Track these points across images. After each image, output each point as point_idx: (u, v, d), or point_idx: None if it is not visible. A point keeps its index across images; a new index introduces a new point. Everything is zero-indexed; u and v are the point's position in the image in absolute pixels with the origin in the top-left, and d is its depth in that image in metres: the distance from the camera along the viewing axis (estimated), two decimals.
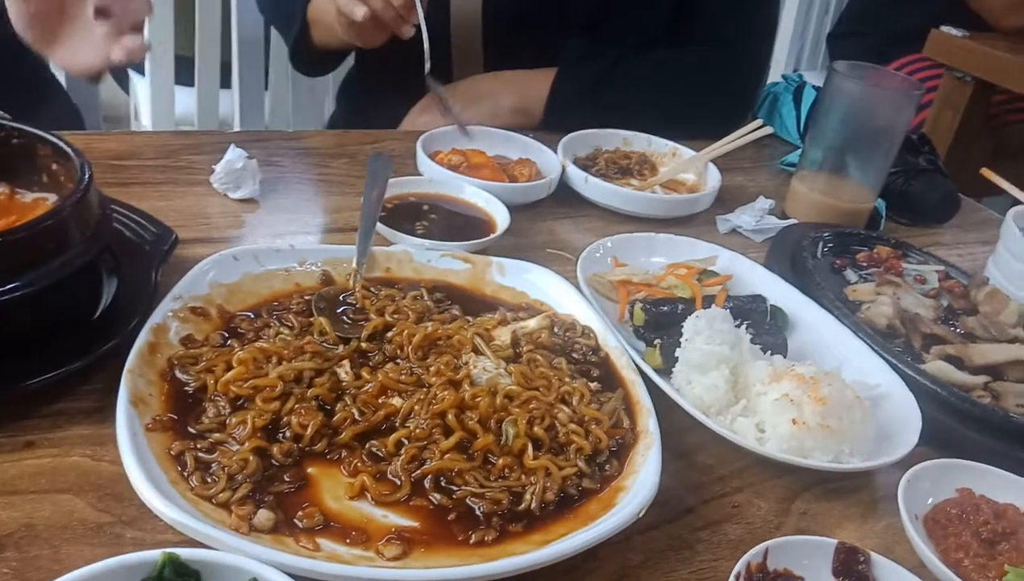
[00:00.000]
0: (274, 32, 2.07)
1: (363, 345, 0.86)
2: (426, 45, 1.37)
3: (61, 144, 0.86)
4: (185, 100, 2.18)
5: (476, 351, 0.86)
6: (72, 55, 1.16)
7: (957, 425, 0.91)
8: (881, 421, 0.88)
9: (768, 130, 1.41)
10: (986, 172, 1.35)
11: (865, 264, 1.22)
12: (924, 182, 1.45)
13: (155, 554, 0.55)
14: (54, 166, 0.87)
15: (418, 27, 1.35)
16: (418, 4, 1.32)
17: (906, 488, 0.79)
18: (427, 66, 1.39)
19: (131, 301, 0.85)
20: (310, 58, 1.65)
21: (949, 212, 1.48)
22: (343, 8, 1.31)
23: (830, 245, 1.25)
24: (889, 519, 0.81)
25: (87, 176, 0.81)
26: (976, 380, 0.97)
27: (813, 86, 1.65)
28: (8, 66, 1.50)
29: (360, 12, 1.28)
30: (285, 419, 0.75)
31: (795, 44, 3.29)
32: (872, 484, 0.86)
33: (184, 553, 0.56)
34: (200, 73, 2.24)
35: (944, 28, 2.51)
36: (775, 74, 1.76)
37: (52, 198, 0.87)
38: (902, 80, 1.40)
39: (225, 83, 2.31)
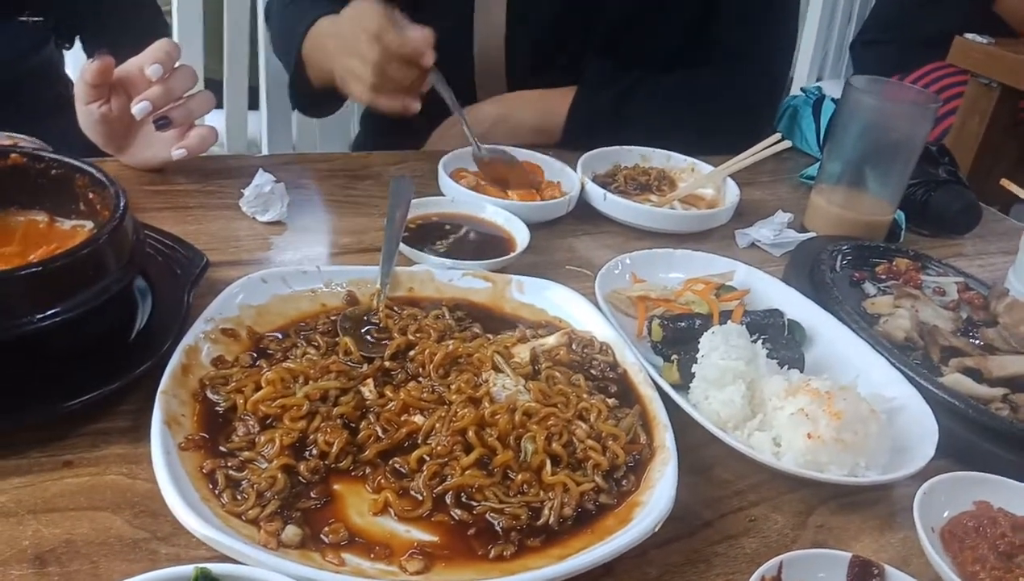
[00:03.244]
0: None
1: (386, 364, 0.88)
2: (451, 100, 1.41)
3: (97, 174, 0.90)
4: (214, 122, 2.23)
5: (496, 369, 0.88)
6: (141, 153, 1.25)
7: (974, 438, 0.91)
8: (898, 434, 0.88)
9: (786, 144, 1.42)
10: (1006, 183, 1.35)
11: (884, 277, 1.22)
12: (944, 193, 1.45)
13: (188, 569, 0.58)
14: (91, 194, 0.91)
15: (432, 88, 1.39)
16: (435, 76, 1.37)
17: (922, 501, 0.79)
18: (456, 111, 1.43)
19: (164, 323, 0.88)
20: (307, 99, 1.64)
21: (970, 223, 1.48)
22: (386, 109, 1.34)
23: (849, 258, 1.25)
24: (906, 532, 0.82)
25: (122, 204, 0.85)
26: (994, 392, 0.97)
27: (832, 99, 1.66)
28: (42, 92, 1.57)
29: (415, 107, 1.35)
30: (312, 437, 0.78)
31: (818, 53, 3.28)
32: (889, 497, 0.86)
33: (215, 568, 0.58)
34: (229, 96, 2.30)
35: (968, 35, 2.50)
36: (797, 84, 1.77)
37: (89, 225, 0.92)
38: (918, 93, 1.40)
39: (253, 105, 2.36)
